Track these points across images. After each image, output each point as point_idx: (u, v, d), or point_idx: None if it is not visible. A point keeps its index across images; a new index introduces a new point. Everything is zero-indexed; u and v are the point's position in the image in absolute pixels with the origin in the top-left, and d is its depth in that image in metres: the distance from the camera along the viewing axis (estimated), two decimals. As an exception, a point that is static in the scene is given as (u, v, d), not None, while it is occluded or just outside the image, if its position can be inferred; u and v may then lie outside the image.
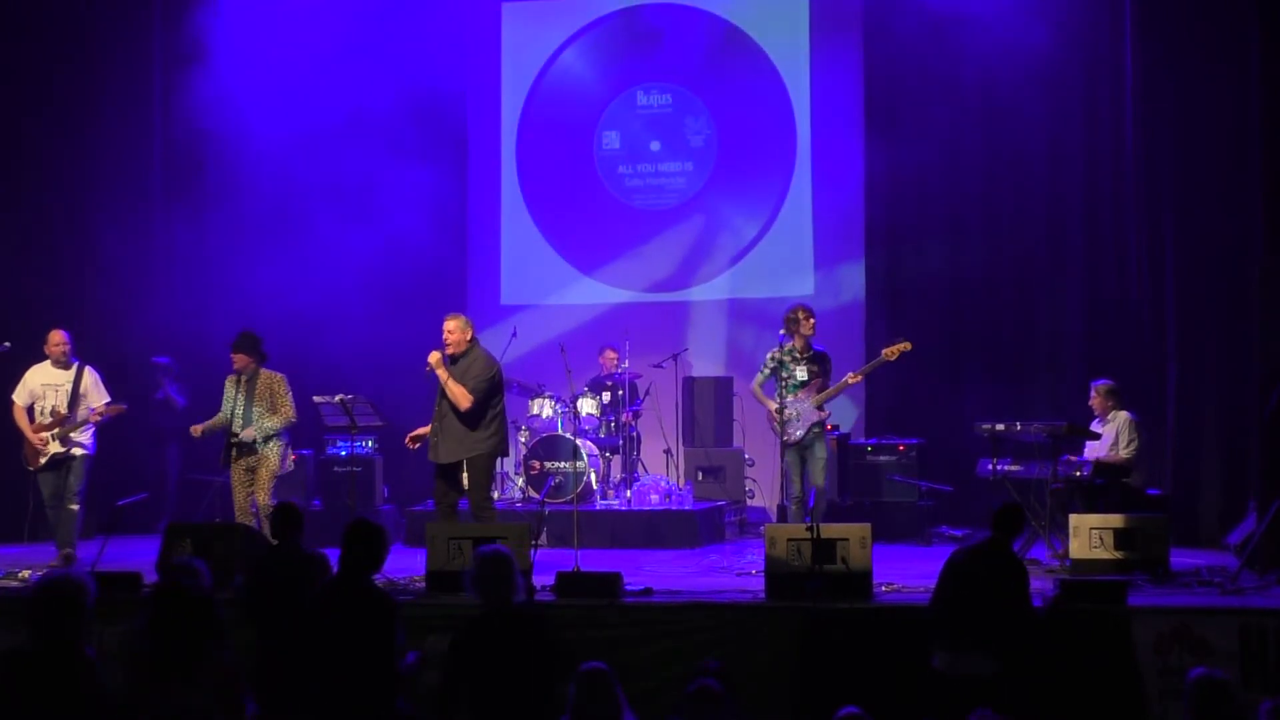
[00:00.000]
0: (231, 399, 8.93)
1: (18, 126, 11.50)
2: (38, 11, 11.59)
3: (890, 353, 9.15)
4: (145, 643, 4.58)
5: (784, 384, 9.04)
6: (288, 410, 8.92)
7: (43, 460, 9.12)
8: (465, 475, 8.56)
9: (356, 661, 5.42)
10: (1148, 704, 6.58)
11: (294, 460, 9.29)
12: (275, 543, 6.68)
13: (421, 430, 8.74)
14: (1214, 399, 10.05)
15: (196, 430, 9.11)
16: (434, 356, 8.53)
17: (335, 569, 5.85)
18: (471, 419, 8.50)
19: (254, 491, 8.83)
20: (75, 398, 9.15)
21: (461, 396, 8.44)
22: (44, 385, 9.21)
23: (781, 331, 9.23)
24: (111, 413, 9.23)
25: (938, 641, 6.21)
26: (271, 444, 8.88)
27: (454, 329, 8.61)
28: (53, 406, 9.15)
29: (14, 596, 7.65)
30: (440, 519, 8.47)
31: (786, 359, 9.18)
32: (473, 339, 8.69)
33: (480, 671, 5.40)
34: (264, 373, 8.98)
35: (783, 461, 9.09)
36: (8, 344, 9.35)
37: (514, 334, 11.41)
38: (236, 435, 8.82)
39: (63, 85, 11.60)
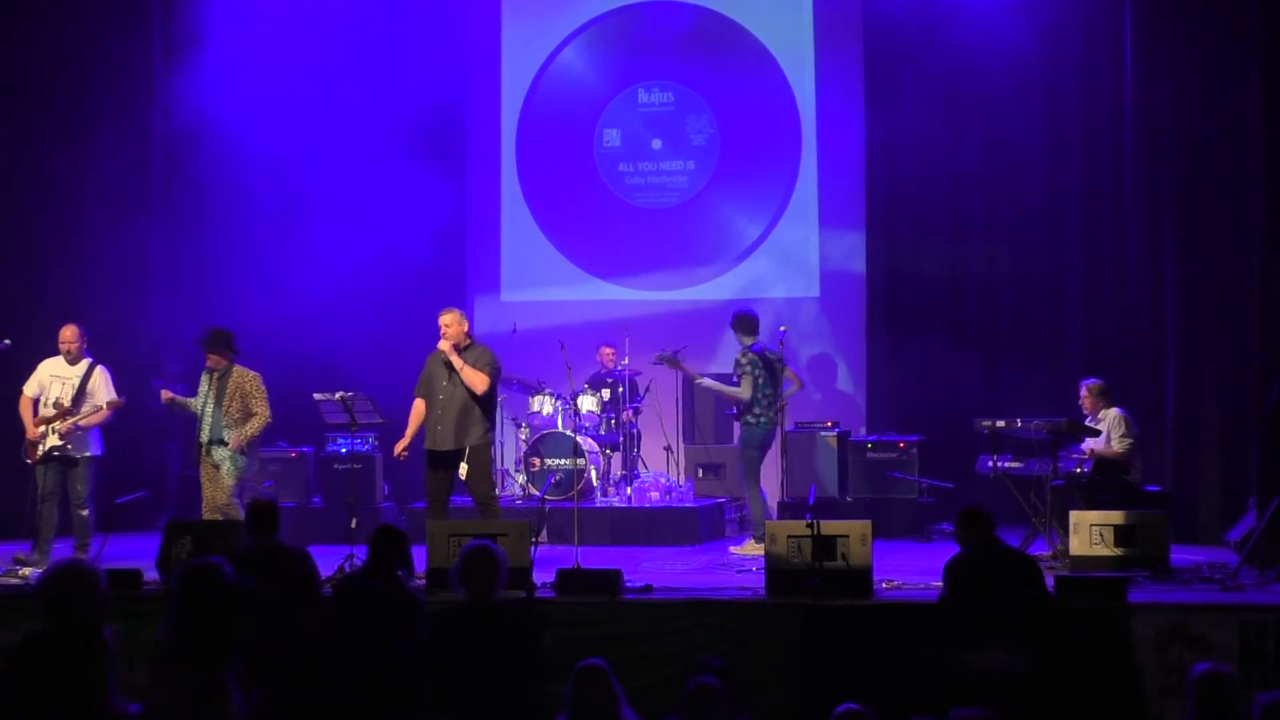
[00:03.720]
0: (204, 395, 8.81)
1: (16, 125, 11.48)
2: (36, 10, 11.58)
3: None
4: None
5: None
6: (264, 411, 8.81)
7: (39, 453, 8.99)
8: (464, 466, 8.56)
9: (390, 654, 5.48)
10: (1147, 700, 6.60)
11: (258, 459, 9.23)
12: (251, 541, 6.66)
13: (404, 440, 8.77)
14: (1214, 396, 10.04)
15: (166, 395, 8.98)
16: (445, 344, 8.57)
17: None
18: (483, 408, 8.61)
19: (204, 494, 8.74)
20: (81, 393, 9.03)
21: (478, 380, 8.54)
22: (52, 377, 9.11)
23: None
24: (112, 408, 9.07)
25: (967, 642, 6.21)
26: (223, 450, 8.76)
27: (450, 322, 8.65)
28: (56, 399, 9.04)
29: (13, 594, 7.67)
30: (432, 515, 8.48)
31: None
32: (469, 333, 8.77)
33: (455, 663, 5.45)
34: (236, 371, 8.84)
35: None
36: (8, 341, 9.33)
37: (514, 330, 11.41)
38: (205, 436, 8.72)
39: (61, 84, 11.54)
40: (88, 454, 9.10)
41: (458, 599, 5.77)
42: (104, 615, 4.53)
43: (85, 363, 9.16)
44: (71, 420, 8.99)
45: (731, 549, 9.66)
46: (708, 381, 10.07)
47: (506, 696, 5.39)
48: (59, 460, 9.03)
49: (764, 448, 9.82)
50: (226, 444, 8.71)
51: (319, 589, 6.63)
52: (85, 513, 9.03)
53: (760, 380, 9.66)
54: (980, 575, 6.37)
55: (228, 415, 8.73)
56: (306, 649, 5.74)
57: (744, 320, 9.86)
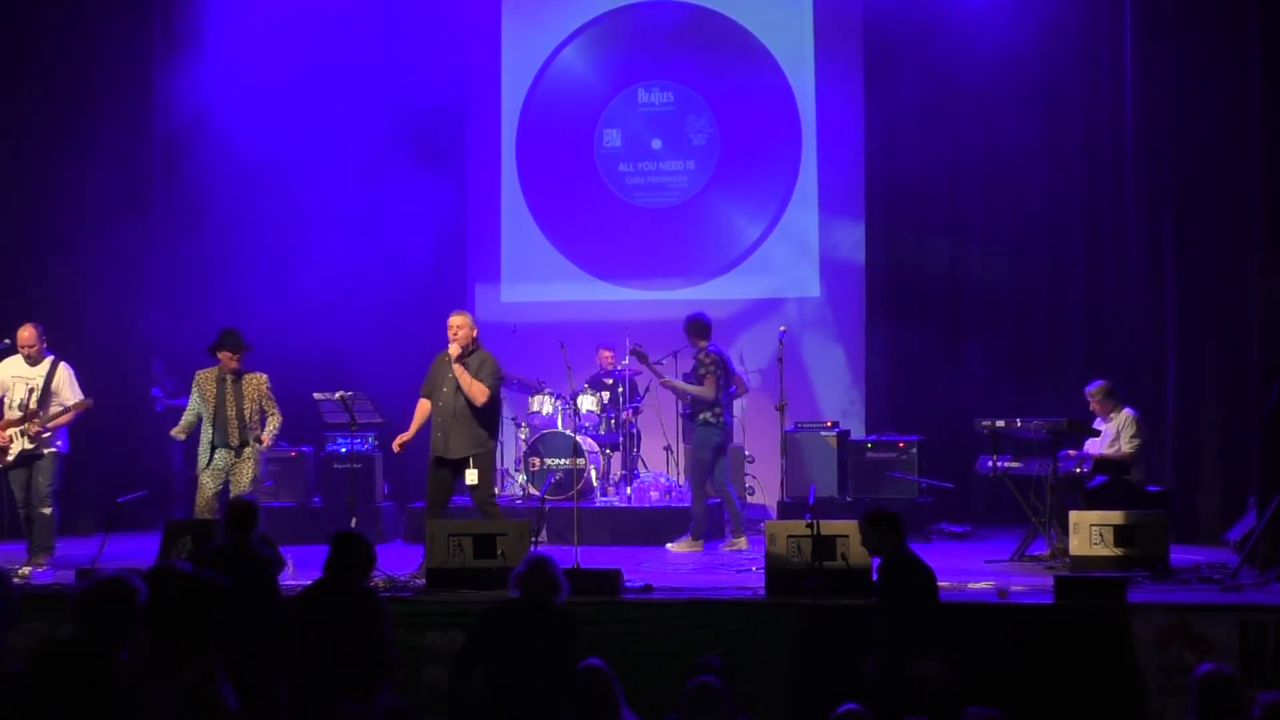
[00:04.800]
0: (213, 398, 8.76)
1: (14, 124, 11.47)
2: (35, 8, 11.57)
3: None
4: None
5: None
6: (277, 409, 8.92)
7: (10, 458, 8.78)
8: (471, 471, 8.55)
9: (352, 655, 5.50)
10: (1147, 700, 6.60)
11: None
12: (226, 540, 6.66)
13: (406, 435, 8.76)
14: (1214, 395, 10.04)
15: (180, 433, 9.00)
16: (454, 350, 8.55)
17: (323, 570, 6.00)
18: (486, 415, 8.60)
19: (231, 491, 8.69)
20: (46, 393, 8.82)
21: (479, 392, 8.51)
22: (14, 378, 8.87)
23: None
24: (80, 408, 8.89)
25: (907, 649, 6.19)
26: (255, 447, 8.85)
27: (460, 324, 8.64)
28: (21, 400, 8.81)
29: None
30: (431, 516, 8.48)
31: None
32: (477, 339, 8.74)
33: (501, 652, 5.50)
34: (249, 374, 8.87)
35: None
36: (7, 340, 9.29)
37: (514, 329, 11.40)
38: (235, 439, 8.72)
39: (59, 83, 11.51)
40: (54, 449, 8.90)
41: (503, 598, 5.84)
42: (131, 633, 4.49)
43: (47, 361, 8.94)
44: (39, 422, 8.79)
45: (669, 546, 9.69)
46: (672, 380, 10.08)
47: (538, 691, 5.44)
48: (28, 462, 8.84)
49: (719, 450, 9.82)
50: (262, 443, 8.80)
51: (276, 593, 6.58)
52: (48, 511, 8.79)
53: (721, 380, 9.71)
54: (901, 580, 6.36)
55: (253, 417, 8.79)
56: (266, 650, 5.76)
57: (699, 325, 9.89)
